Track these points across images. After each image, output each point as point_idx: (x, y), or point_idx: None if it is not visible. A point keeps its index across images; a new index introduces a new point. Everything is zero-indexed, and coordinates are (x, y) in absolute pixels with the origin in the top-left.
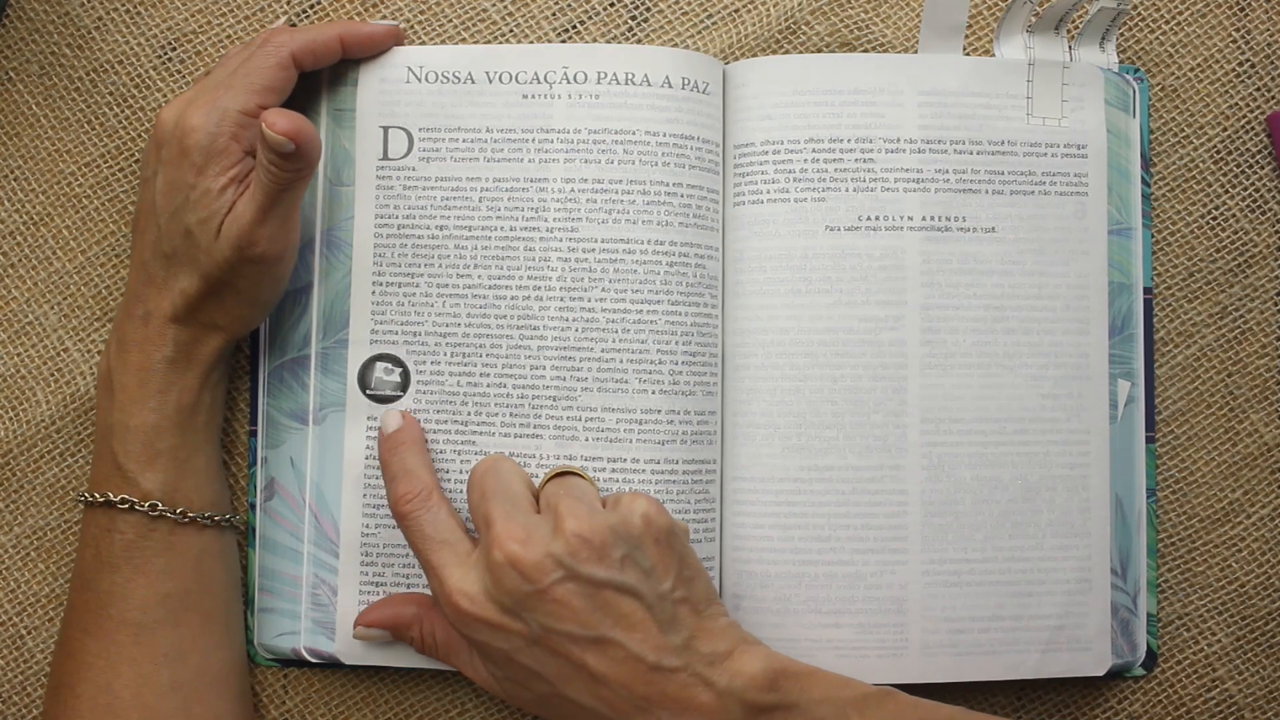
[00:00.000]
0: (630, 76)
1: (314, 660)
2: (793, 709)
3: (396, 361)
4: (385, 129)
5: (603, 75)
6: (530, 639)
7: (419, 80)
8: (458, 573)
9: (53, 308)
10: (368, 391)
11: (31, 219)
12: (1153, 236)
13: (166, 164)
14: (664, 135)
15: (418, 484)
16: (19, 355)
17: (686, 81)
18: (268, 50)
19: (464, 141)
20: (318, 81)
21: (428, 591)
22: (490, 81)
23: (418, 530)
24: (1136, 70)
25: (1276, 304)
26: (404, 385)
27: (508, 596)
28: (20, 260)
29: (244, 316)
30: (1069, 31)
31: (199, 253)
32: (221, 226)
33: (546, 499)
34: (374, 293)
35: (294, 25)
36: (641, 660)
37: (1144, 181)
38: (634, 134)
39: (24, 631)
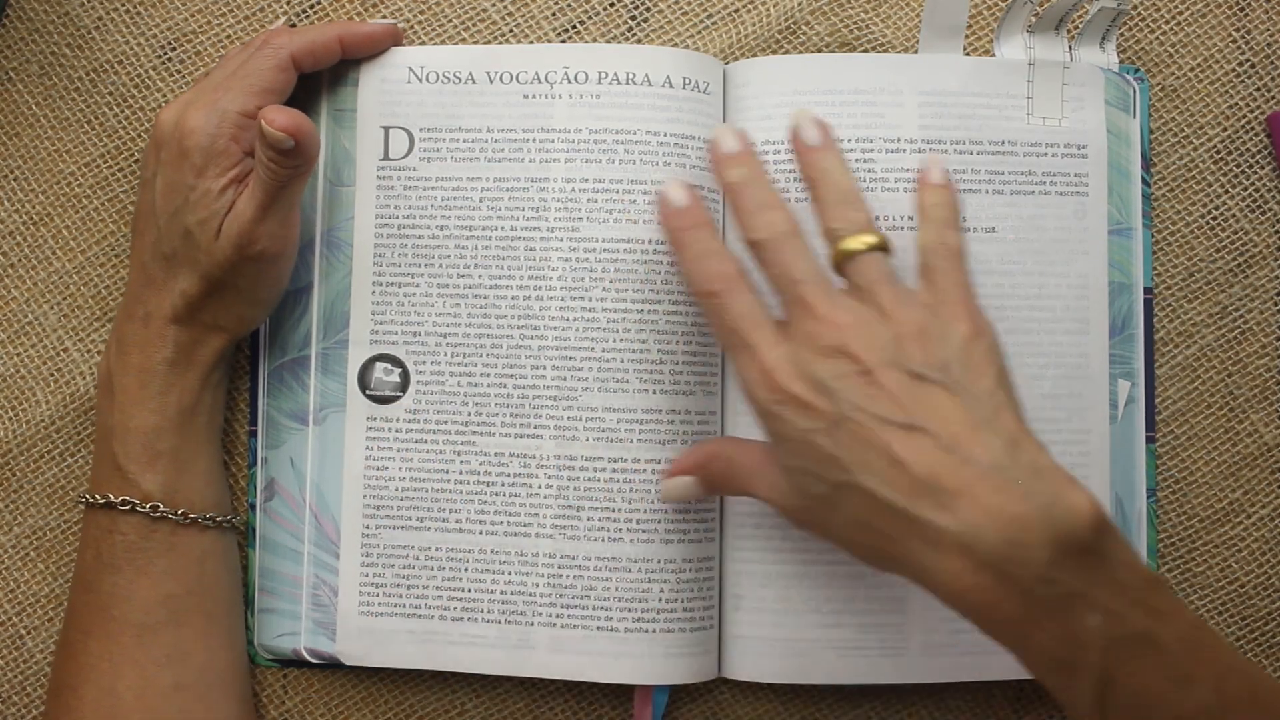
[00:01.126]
0: (631, 76)
1: (314, 661)
2: (1103, 559)
3: (396, 362)
4: (386, 129)
5: (603, 75)
6: (835, 420)
7: (420, 80)
8: (774, 351)
9: (53, 308)
10: (367, 392)
11: (31, 219)
12: (1153, 236)
13: (166, 165)
14: (665, 135)
15: (729, 263)
16: (19, 355)
17: (687, 81)
18: (267, 51)
19: (465, 141)
20: (318, 82)
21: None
22: (491, 81)
23: (731, 309)
24: (1137, 70)
25: (1276, 304)
26: (404, 385)
27: (825, 377)
28: (20, 260)
29: (245, 316)
30: (1069, 32)
31: (199, 253)
32: (221, 226)
33: (861, 281)
34: (374, 293)
35: (293, 26)
36: (954, 451)
37: (1144, 181)
38: (635, 134)
39: (24, 631)
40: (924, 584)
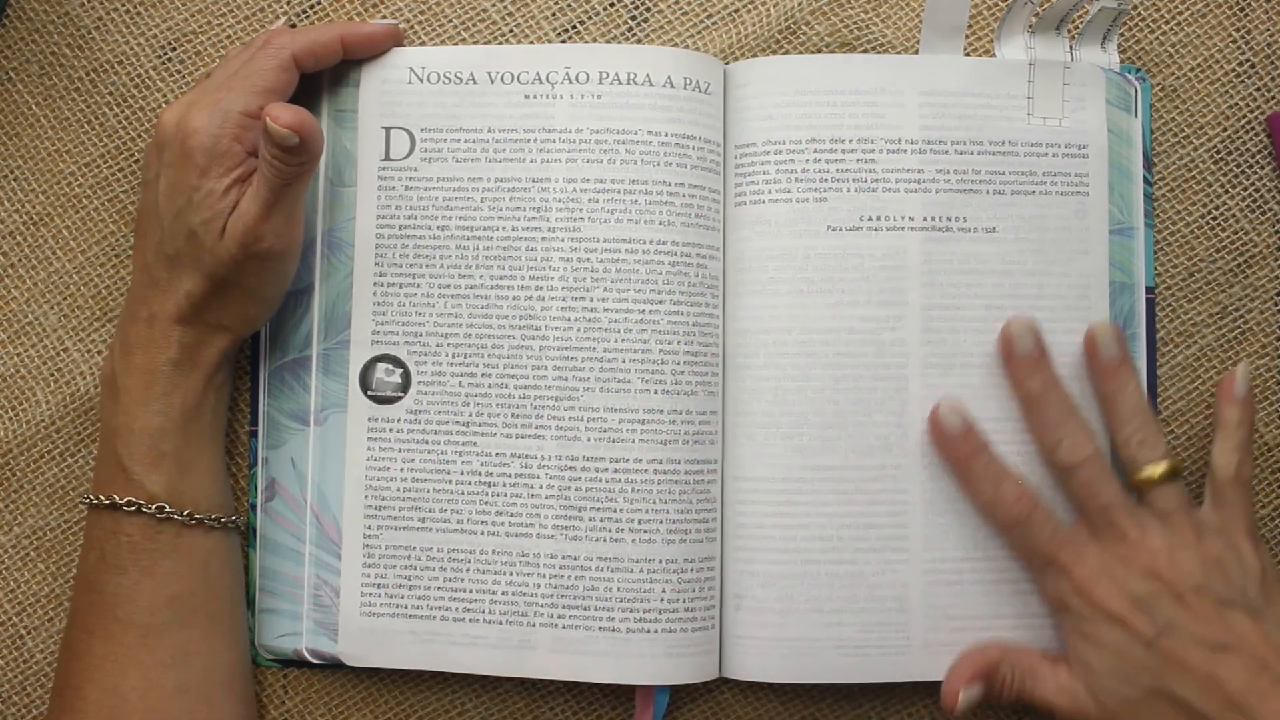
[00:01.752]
0: (632, 76)
1: (316, 661)
2: None
3: (398, 362)
4: (387, 130)
5: (605, 75)
6: (1152, 636)
7: (421, 81)
8: (1087, 566)
9: (53, 308)
10: (369, 392)
11: (31, 219)
12: (1154, 237)
13: (169, 166)
14: (666, 135)
15: (1023, 486)
16: (19, 355)
17: (688, 81)
18: (269, 51)
19: (466, 142)
20: (319, 83)
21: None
22: (492, 82)
23: (1039, 533)
24: (1138, 70)
25: (1276, 304)
26: (405, 386)
27: (1142, 595)
28: (20, 260)
29: (249, 315)
30: (1070, 32)
31: (203, 253)
32: (226, 226)
33: (1162, 507)
34: (375, 293)
35: (294, 26)
36: (1265, 671)
37: (1146, 181)
38: (636, 134)
39: (24, 631)
40: None
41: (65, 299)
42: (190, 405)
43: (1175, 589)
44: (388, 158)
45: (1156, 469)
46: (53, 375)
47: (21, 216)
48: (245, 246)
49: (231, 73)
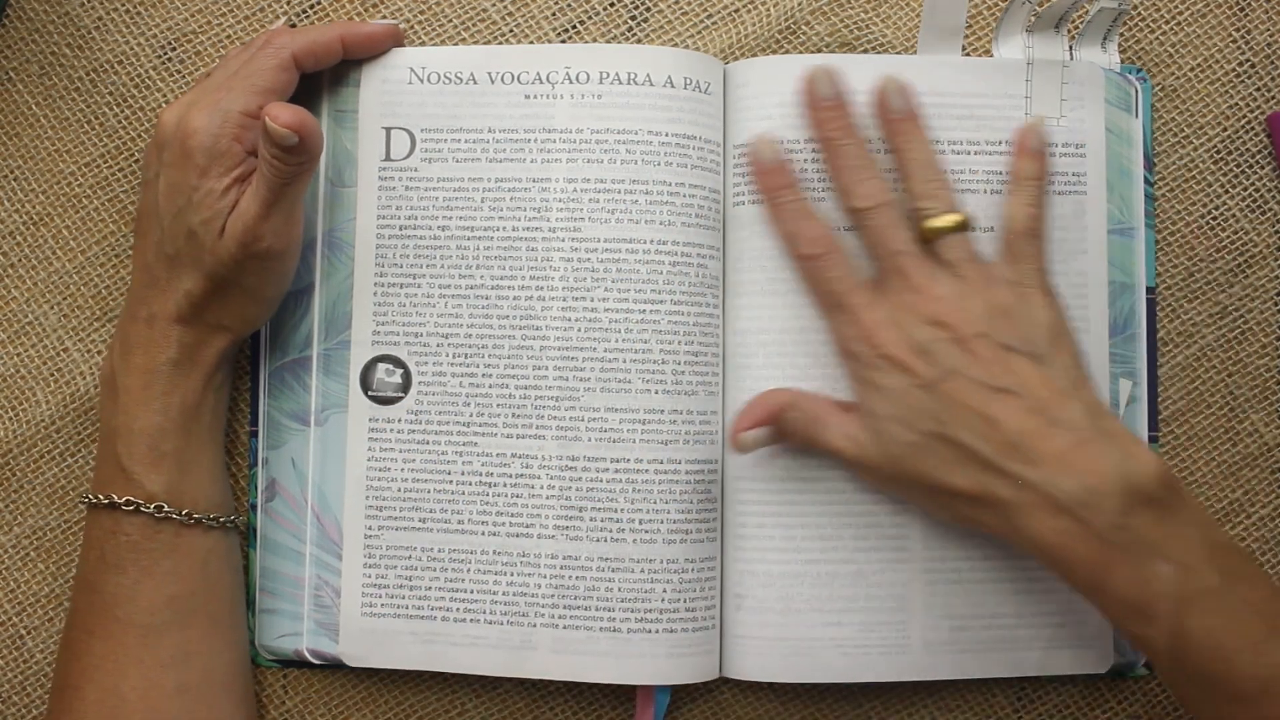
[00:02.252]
0: (633, 76)
1: (316, 662)
2: (1170, 513)
3: (398, 363)
4: (388, 130)
5: (605, 75)
6: (933, 380)
7: (421, 81)
8: (874, 312)
9: (53, 308)
10: (369, 393)
11: (31, 219)
12: (1154, 237)
13: (168, 166)
14: (666, 135)
15: (824, 227)
16: (19, 355)
17: (689, 81)
18: (269, 51)
19: (466, 142)
20: (319, 83)
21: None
22: (492, 82)
23: (830, 273)
24: (1139, 70)
25: (1276, 304)
26: (406, 386)
27: (924, 340)
28: (20, 260)
29: (249, 315)
30: (1069, 31)
31: (203, 253)
32: (225, 225)
33: (950, 257)
34: (376, 294)
35: (294, 26)
36: (1041, 412)
37: (1147, 181)
38: (636, 134)
39: (24, 631)
40: (1002, 531)
41: (65, 299)
42: (190, 405)
43: (959, 334)
44: (388, 158)
45: (945, 219)
46: (53, 375)
47: (21, 216)
48: (245, 246)
49: (231, 73)
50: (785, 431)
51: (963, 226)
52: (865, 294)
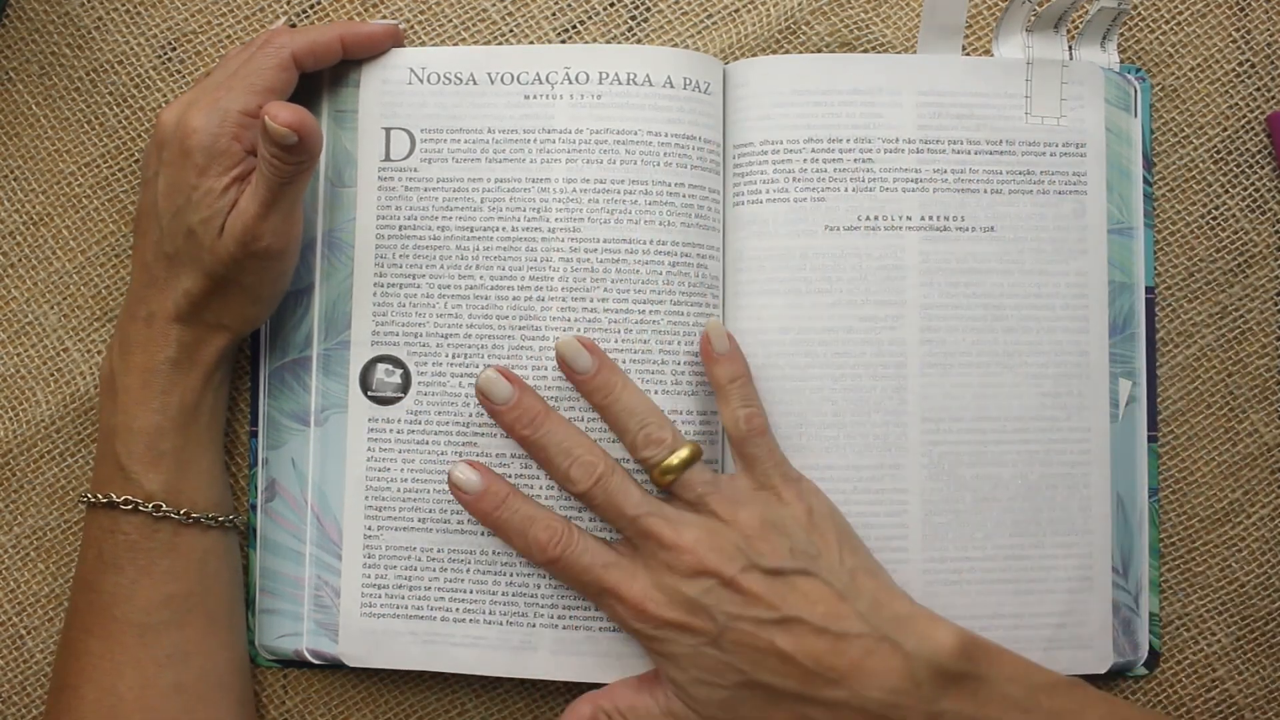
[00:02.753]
0: (632, 77)
1: (316, 662)
2: (982, 681)
3: (398, 363)
4: (388, 130)
5: (604, 75)
6: (716, 633)
7: (421, 81)
8: (636, 586)
9: (53, 308)
10: (369, 393)
11: (31, 219)
12: (1154, 237)
13: (168, 165)
14: (666, 135)
15: (554, 526)
16: (19, 355)
17: (688, 81)
18: (268, 51)
19: (466, 142)
20: (319, 83)
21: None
22: (492, 82)
23: (577, 566)
24: (1139, 70)
25: (1276, 304)
26: (405, 387)
27: (695, 595)
28: (20, 260)
29: (248, 314)
30: (1069, 31)
31: (202, 252)
32: (225, 224)
33: (691, 496)
34: (375, 294)
35: (294, 25)
36: (827, 631)
37: (1146, 181)
38: (636, 134)
39: (24, 631)
40: None
41: (65, 299)
42: (189, 404)
43: (724, 577)
44: (388, 158)
45: (673, 459)
46: (53, 375)
47: (21, 216)
48: (244, 245)
49: (231, 72)
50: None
51: (692, 459)
52: (621, 569)
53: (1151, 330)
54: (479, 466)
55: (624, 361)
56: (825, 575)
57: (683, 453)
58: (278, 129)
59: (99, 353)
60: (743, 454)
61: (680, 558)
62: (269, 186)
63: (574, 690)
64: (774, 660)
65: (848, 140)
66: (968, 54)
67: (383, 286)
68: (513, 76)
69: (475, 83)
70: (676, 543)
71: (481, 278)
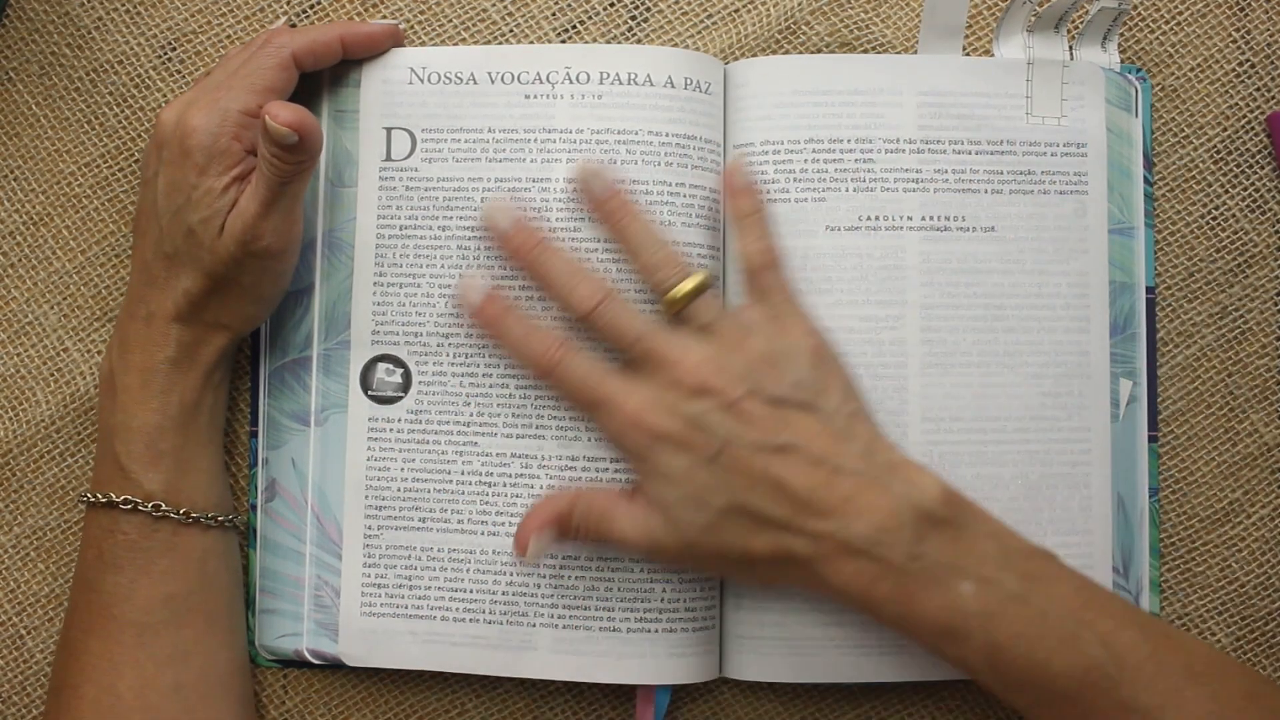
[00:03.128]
0: (633, 76)
1: (316, 662)
2: (962, 530)
3: (398, 362)
4: (388, 130)
5: (605, 75)
6: (711, 453)
7: (421, 81)
8: (634, 398)
9: (53, 308)
10: (369, 393)
11: (31, 219)
12: (1154, 237)
13: (168, 164)
14: (667, 135)
15: (550, 337)
16: (19, 355)
17: (689, 81)
18: (269, 50)
19: (466, 142)
20: (319, 83)
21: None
22: (493, 82)
23: (574, 374)
24: (1139, 70)
25: (1276, 304)
26: (406, 386)
27: (695, 413)
28: (20, 260)
29: (247, 314)
30: (1070, 31)
31: (202, 251)
32: (225, 224)
33: (701, 322)
34: (375, 294)
35: (294, 25)
36: (823, 464)
37: (1146, 181)
38: (637, 134)
39: (24, 631)
40: (809, 584)
41: (65, 299)
42: (189, 403)
43: (726, 399)
44: (388, 158)
45: (685, 285)
46: (53, 375)
47: (21, 216)
48: (244, 245)
49: (231, 71)
50: (571, 533)
51: (703, 287)
52: (620, 381)
53: (1152, 330)
54: (486, 283)
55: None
56: (825, 412)
57: (695, 279)
58: (278, 128)
59: (99, 353)
60: (757, 285)
61: (683, 374)
62: (269, 186)
63: (573, 690)
64: (767, 486)
65: (848, 140)
66: (968, 54)
67: (383, 286)
68: (514, 76)
69: (476, 82)
70: (681, 360)
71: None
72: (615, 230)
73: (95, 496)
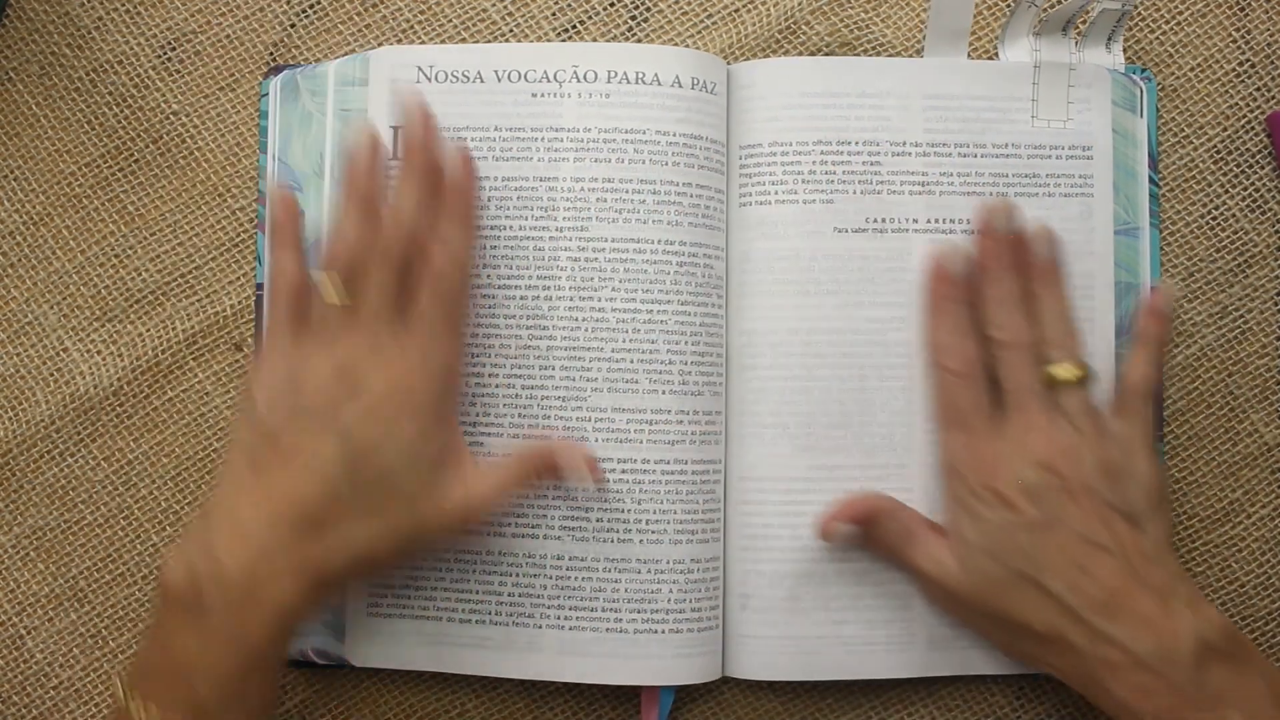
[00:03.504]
0: (640, 76)
1: (322, 662)
2: (1239, 665)
3: None
4: (396, 129)
5: (612, 74)
6: (1035, 523)
7: (429, 80)
8: (993, 445)
9: (53, 308)
10: None
11: (31, 219)
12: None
13: (386, 420)
14: (674, 135)
15: (975, 348)
16: (19, 355)
17: (696, 81)
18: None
19: (473, 140)
20: (325, 84)
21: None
22: (500, 81)
23: (966, 393)
24: (1144, 70)
25: (1276, 304)
26: None
27: (1035, 483)
28: (20, 260)
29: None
30: (1074, 33)
31: (402, 508)
32: (441, 488)
33: (1068, 407)
34: None
35: (293, 26)
36: (1131, 575)
37: (1152, 181)
38: (644, 133)
39: (24, 631)
40: (1068, 674)
41: (65, 299)
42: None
43: (1068, 484)
44: (396, 157)
45: (1069, 371)
46: (53, 375)
47: (21, 216)
48: (463, 519)
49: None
50: (875, 537)
51: (1086, 380)
52: (987, 422)
53: None
54: (968, 264)
55: (631, 361)
56: (1146, 533)
57: (1080, 370)
58: (577, 477)
59: (98, 353)
60: (1127, 403)
61: (1040, 444)
62: (518, 485)
63: (577, 691)
64: (1073, 573)
65: (856, 143)
66: (973, 57)
67: None
68: (521, 75)
69: (483, 81)
70: (1045, 432)
71: (488, 277)
72: (1034, 291)
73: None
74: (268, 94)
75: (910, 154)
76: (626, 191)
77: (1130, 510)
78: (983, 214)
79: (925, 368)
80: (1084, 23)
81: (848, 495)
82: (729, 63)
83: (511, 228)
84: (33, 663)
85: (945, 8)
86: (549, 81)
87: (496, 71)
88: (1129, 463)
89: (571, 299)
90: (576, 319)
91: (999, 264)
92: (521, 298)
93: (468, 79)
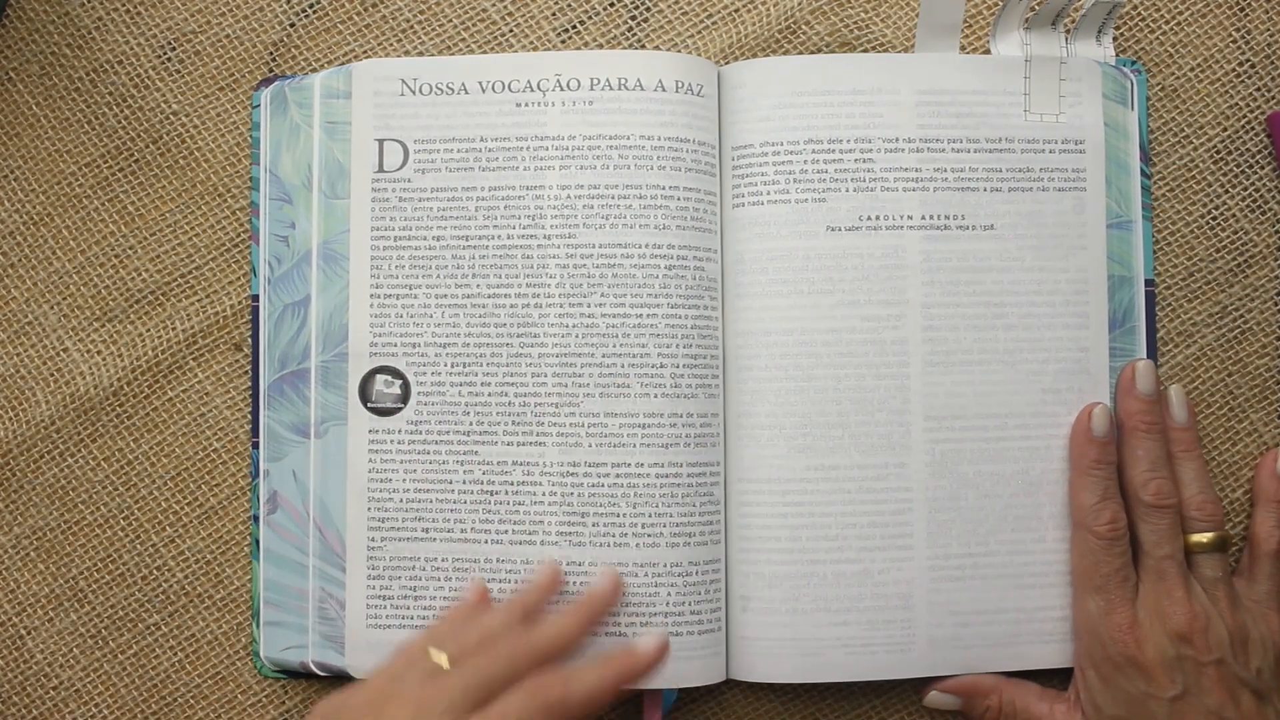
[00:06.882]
0: (623, 81)
1: (322, 674)
2: None
3: (397, 374)
4: (380, 141)
5: (595, 81)
6: (1170, 695)
7: (413, 93)
8: (1134, 612)
9: (53, 308)
10: (369, 404)
11: (31, 219)
12: (1154, 236)
13: None
14: (659, 139)
15: (1123, 513)
16: (19, 355)
17: (680, 84)
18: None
19: (459, 152)
20: (310, 96)
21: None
22: (484, 91)
23: (1113, 559)
24: (1134, 62)
25: (1276, 304)
26: (405, 397)
27: (1174, 656)
28: (20, 260)
29: None
30: (1065, 26)
31: None
32: None
33: (1204, 573)
34: (372, 305)
35: (293, 26)
36: None
37: (1143, 174)
38: (629, 139)
39: (24, 631)
40: None
41: (65, 299)
42: None
43: (1200, 657)
44: (381, 169)
45: (1208, 536)
46: (53, 375)
47: (21, 216)
48: None
49: None
50: (980, 711)
51: (1224, 545)
52: (1126, 588)
53: (1152, 321)
54: (1114, 425)
55: (622, 366)
56: (1271, 706)
57: (1218, 535)
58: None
59: (98, 353)
60: (1259, 566)
61: (1176, 615)
62: None
63: None
64: None
65: (848, 141)
66: (966, 52)
67: (379, 297)
68: (504, 85)
69: (467, 92)
70: (1182, 600)
71: (478, 286)
72: (1174, 454)
73: None
74: (259, 105)
75: (903, 150)
76: (613, 197)
77: (1257, 684)
78: (1126, 374)
79: (1066, 524)
80: (1075, 14)
81: (959, 677)
82: (728, 63)
83: (499, 237)
84: (33, 663)
85: (936, 3)
86: (532, 91)
87: (480, 83)
88: (1258, 631)
89: (561, 306)
90: (567, 325)
91: (1146, 425)
92: (511, 306)
93: (451, 90)
